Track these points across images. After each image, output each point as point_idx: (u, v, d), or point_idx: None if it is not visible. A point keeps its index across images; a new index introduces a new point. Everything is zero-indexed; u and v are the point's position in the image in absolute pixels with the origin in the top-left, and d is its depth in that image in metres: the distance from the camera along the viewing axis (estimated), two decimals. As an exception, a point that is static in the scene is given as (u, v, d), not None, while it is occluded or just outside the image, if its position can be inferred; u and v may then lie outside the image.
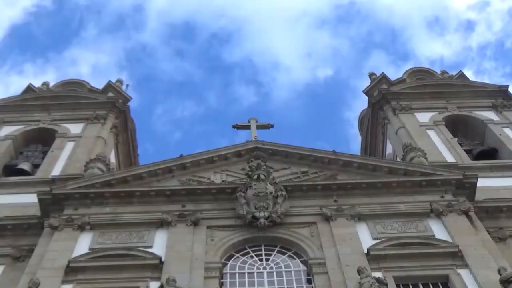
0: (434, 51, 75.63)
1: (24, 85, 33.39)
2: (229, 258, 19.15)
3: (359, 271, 16.98)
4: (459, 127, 29.06)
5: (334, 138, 71.07)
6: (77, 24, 77.57)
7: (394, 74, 36.15)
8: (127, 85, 34.41)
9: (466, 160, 25.47)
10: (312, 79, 79.87)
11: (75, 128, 28.73)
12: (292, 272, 18.42)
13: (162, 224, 20.17)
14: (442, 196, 20.88)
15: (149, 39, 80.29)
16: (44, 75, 77.24)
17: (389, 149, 30.44)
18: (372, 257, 18.23)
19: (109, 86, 32.85)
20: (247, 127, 27.00)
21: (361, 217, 20.18)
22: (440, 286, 17.54)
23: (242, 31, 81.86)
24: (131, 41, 79.19)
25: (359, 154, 32.59)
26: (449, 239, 18.93)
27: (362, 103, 33.09)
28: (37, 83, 34.49)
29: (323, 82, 79.36)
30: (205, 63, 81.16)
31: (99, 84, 33.47)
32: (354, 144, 33.24)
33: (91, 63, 77.83)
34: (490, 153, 26.58)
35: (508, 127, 27.79)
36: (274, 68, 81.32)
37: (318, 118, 74.74)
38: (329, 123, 75.58)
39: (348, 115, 76.29)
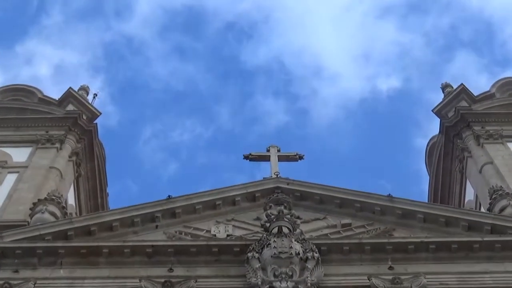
0: (546, 54, 74.65)
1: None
2: None
3: None
4: None
5: (399, 177, 69.07)
6: (35, 8, 78.00)
7: (486, 85, 35.62)
8: (95, 95, 34.63)
9: None
10: (370, 92, 79.10)
11: (18, 154, 28.84)
12: None
13: (139, 295, 20.01)
14: (546, 265, 20.62)
15: (137, 31, 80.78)
16: (-15, 78, 77.18)
17: (469, 193, 30.26)
18: None
19: (69, 96, 32.92)
20: (265, 158, 27.03)
21: (428, 292, 19.92)
22: None
23: (271, 22, 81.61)
24: (112, 32, 79.69)
25: (426, 200, 32.31)
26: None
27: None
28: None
29: (385, 96, 78.59)
30: (216, 66, 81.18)
31: (59, 93, 33.67)
32: (427, 184, 33.09)
33: (53, 63, 78.65)
34: None
35: None
36: (314, 75, 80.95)
37: (377, 147, 72.92)
38: (393, 154, 74.22)
39: (421, 142, 75.07)
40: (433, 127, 32.14)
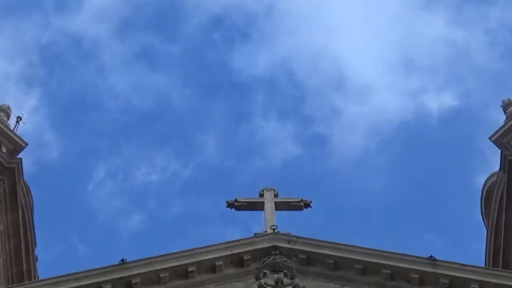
0: None
1: None
2: None
3: None
4: None
5: (452, 230, 67.12)
6: None
7: None
8: (19, 118, 34.37)
9: None
10: (414, 112, 76.47)
11: None
12: None
13: None
14: None
15: (87, 29, 79.08)
16: None
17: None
18: None
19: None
20: (257, 206, 26.87)
21: None
22: None
23: (275, 16, 78.81)
24: (52, 31, 78.04)
25: (482, 263, 31.90)
26: None
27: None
28: None
29: (436, 118, 76.07)
30: (198, 77, 79.06)
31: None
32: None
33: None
34: None
35: None
36: (336, 90, 78.35)
37: (422, 189, 70.34)
38: (445, 198, 71.54)
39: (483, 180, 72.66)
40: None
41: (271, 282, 21.76)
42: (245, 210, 27.16)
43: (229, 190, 68.66)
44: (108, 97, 75.52)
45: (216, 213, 64.71)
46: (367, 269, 23.70)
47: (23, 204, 31.74)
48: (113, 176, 72.80)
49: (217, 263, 23.85)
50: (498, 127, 33.12)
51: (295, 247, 24.19)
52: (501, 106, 34.92)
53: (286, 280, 21.89)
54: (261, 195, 27.19)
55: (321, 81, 76.54)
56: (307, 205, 27.24)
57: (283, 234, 24.73)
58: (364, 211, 65.79)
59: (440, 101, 74.24)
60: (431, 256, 23.33)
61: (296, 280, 22.27)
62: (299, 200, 27.23)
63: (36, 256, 32.74)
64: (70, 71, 74.47)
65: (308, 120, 75.09)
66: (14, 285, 27.26)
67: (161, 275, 23.35)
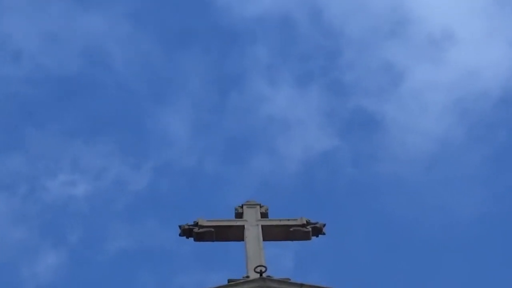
0: None
1: None
2: None
3: None
4: None
5: None
6: None
7: None
8: None
9: None
10: None
11: None
12: None
13: None
14: None
15: None
16: None
17: None
18: None
19: None
20: (231, 232, 20.03)
21: None
22: None
23: None
24: None
25: None
26: None
27: None
28: None
29: None
30: (159, 21, 66.41)
31: None
32: None
33: None
34: None
35: None
36: (392, 40, 65.18)
37: None
38: None
39: None
40: None
41: None
42: (211, 241, 20.04)
43: (210, 209, 57.25)
44: (3, 55, 65.80)
45: (184, 248, 54.76)
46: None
47: None
48: (11, 188, 62.13)
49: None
50: None
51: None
52: None
53: None
54: (239, 215, 19.81)
55: (367, 25, 63.99)
56: (317, 231, 19.99)
57: (277, 280, 18.73)
58: (432, 240, 54.45)
59: None
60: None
61: None
62: (304, 222, 19.88)
63: None
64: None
65: (345, 90, 61.28)
66: None
67: None
